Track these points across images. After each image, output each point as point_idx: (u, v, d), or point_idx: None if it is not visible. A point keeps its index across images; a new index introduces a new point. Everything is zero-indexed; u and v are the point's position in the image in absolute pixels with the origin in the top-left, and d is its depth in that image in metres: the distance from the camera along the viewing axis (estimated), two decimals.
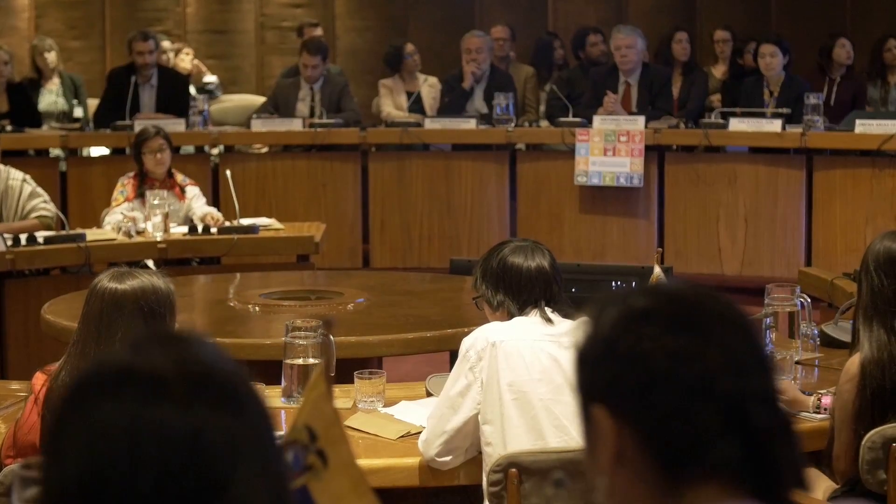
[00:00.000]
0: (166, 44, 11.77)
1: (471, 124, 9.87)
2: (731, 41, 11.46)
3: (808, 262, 9.10)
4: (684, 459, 1.60)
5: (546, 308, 3.97)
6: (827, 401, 4.21)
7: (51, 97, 10.64)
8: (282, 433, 1.78)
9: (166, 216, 7.48)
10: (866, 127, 9.02)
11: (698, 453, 1.60)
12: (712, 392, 1.60)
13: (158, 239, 7.40)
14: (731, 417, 1.60)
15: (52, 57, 10.74)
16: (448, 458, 3.93)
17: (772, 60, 9.79)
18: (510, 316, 4.01)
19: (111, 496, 1.36)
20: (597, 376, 1.67)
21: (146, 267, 6.84)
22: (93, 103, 10.78)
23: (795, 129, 9.21)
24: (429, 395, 4.53)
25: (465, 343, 3.96)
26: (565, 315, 3.99)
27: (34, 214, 7.61)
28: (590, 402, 1.67)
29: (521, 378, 3.85)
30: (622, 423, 1.63)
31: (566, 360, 3.86)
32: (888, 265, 4.01)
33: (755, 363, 1.65)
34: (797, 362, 4.80)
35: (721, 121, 9.62)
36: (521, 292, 4.01)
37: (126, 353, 1.46)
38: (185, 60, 12.12)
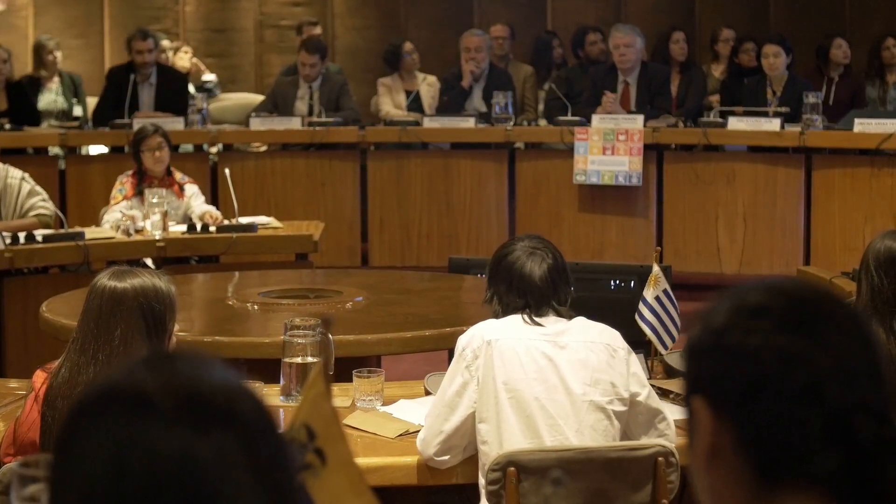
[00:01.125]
0: (165, 42, 11.78)
1: (470, 123, 9.87)
2: (736, 38, 11.45)
3: (807, 262, 9.11)
4: (780, 466, 1.55)
5: (530, 314, 3.96)
6: None
7: (50, 96, 10.64)
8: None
9: (165, 215, 7.48)
10: (865, 126, 9.03)
11: (795, 462, 1.54)
12: (818, 399, 1.54)
13: (157, 237, 7.40)
14: (835, 428, 1.53)
15: (56, 56, 10.75)
16: (446, 457, 3.94)
17: (776, 61, 9.80)
18: (495, 316, 4.01)
19: None
20: (701, 368, 1.62)
21: (145, 266, 6.84)
22: (92, 102, 10.77)
23: (794, 129, 9.22)
24: (427, 393, 4.53)
25: (461, 341, 3.96)
26: (561, 315, 3.99)
27: (33, 213, 7.61)
28: (692, 392, 1.63)
29: (516, 377, 3.85)
30: (721, 419, 1.58)
31: (561, 360, 3.87)
32: (888, 265, 4.01)
33: (868, 374, 1.58)
34: None
35: (720, 120, 9.62)
36: (505, 295, 4.01)
37: (116, 375, 1.45)
38: (184, 59, 12.12)
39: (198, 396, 1.42)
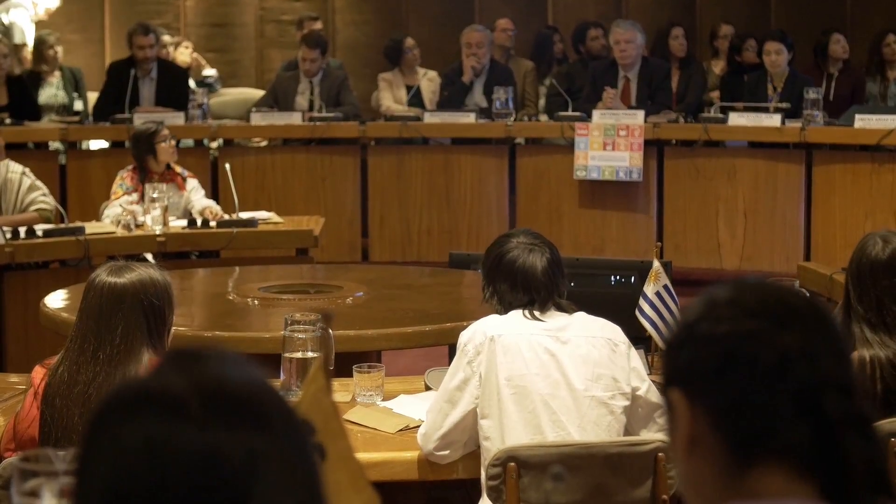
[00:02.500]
0: (166, 38, 11.77)
1: (470, 118, 9.87)
2: (736, 35, 11.44)
3: (808, 257, 9.11)
4: (752, 441, 1.61)
5: (533, 310, 3.95)
6: None
7: (51, 90, 10.63)
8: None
9: (165, 210, 7.48)
10: (866, 122, 9.03)
11: (766, 436, 1.61)
12: (785, 376, 1.62)
13: (157, 232, 7.40)
14: (803, 403, 1.61)
15: (59, 51, 10.75)
16: (446, 452, 3.94)
17: (777, 58, 9.80)
18: (496, 312, 4.01)
19: None
20: (676, 360, 1.70)
21: (144, 260, 6.84)
22: (92, 96, 10.77)
23: (795, 124, 9.22)
24: (428, 388, 4.53)
25: (464, 337, 3.96)
26: (562, 309, 3.99)
27: (33, 207, 7.61)
28: (668, 386, 1.70)
29: (519, 372, 3.84)
30: (696, 407, 1.65)
31: (563, 355, 3.87)
32: (883, 267, 4.02)
33: (833, 352, 1.66)
34: None
35: (720, 115, 9.62)
36: (507, 293, 4.01)
37: (144, 377, 1.46)
38: (185, 54, 12.12)
39: (227, 396, 1.43)
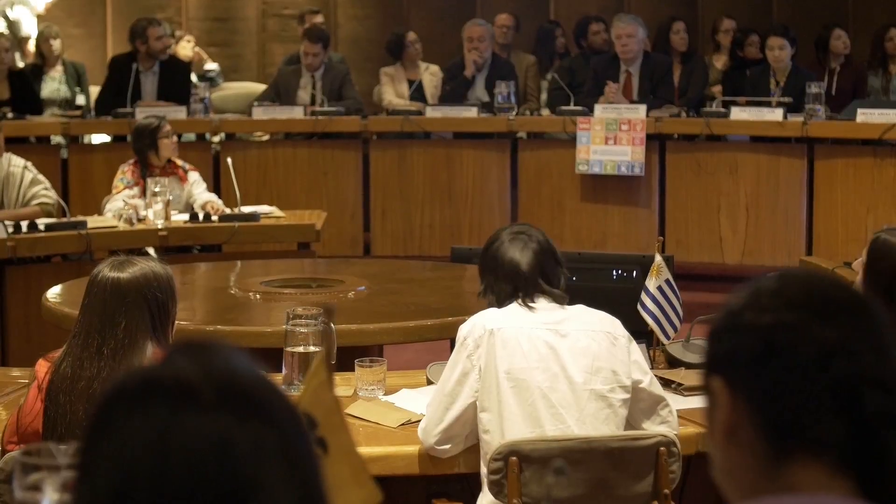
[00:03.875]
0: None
1: (472, 113, 9.87)
2: (738, 30, 11.42)
3: (810, 252, 9.10)
4: (789, 433, 1.61)
5: (523, 300, 3.95)
6: None
7: (53, 84, 10.63)
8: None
9: (167, 204, 7.48)
10: (868, 116, 9.02)
11: (803, 429, 1.61)
12: (825, 370, 1.61)
13: (159, 226, 7.40)
14: (841, 398, 1.61)
15: (56, 44, 10.74)
16: (447, 446, 3.94)
17: (780, 53, 9.80)
18: (490, 306, 4.01)
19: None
20: (718, 348, 1.71)
21: (146, 254, 6.84)
22: (94, 91, 10.77)
23: (797, 119, 9.21)
24: (429, 383, 4.54)
25: (463, 330, 3.96)
26: (560, 302, 3.98)
27: (35, 202, 7.62)
28: (710, 373, 1.71)
29: (518, 366, 3.84)
30: (736, 395, 1.66)
31: (562, 348, 3.87)
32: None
33: (875, 348, 1.65)
34: None
35: (722, 110, 9.61)
36: (494, 284, 4.01)
37: (152, 366, 1.47)
38: (187, 48, 12.11)
39: (238, 387, 1.44)
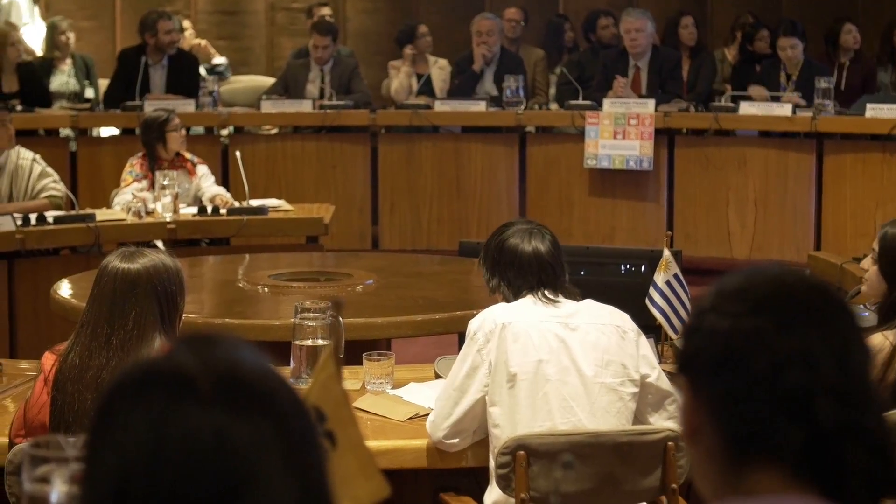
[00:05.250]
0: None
1: (480, 107, 9.87)
2: (750, 25, 11.38)
3: (818, 247, 9.10)
4: (746, 441, 1.61)
5: (544, 292, 3.96)
6: None
7: (63, 77, 10.64)
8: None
9: (176, 197, 7.48)
10: (877, 111, 9.01)
11: (760, 438, 1.60)
12: (778, 381, 1.60)
13: (168, 219, 7.41)
14: (794, 410, 1.60)
15: (71, 37, 10.76)
16: (456, 441, 3.94)
17: (793, 52, 9.80)
18: (505, 300, 4.01)
19: (137, 496, 1.38)
20: (685, 347, 1.70)
21: (154, 247, 6.84)
22: (103, 84, 10.77)
23: (806, 113, 9.21)
24: (437, 376, 4.54)
25: (473, 325, 3.96)
26: (568, 296, 3.99)
27: (44, 194, 7.62)
28: (678, 371, 1.71)
29: (529, 359, 3.84)
30: (698, 398, 1.66)
31: (573, 342, 3.87)
32: None
33: (838, 355, 1.63)
34: None
35: (731, 104, 9.61)
36: (515, 278, 4.01)
37: (156, 357, 1.48)
38: (188, 37, 12.07)
39: (237, 380, 1.44)
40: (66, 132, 10.12)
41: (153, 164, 7.86)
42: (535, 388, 3.83)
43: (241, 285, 6.16)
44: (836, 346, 1.64)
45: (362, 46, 13.44)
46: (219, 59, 12.32)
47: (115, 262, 3.71)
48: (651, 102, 9.50)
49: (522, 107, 9.89)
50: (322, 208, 8.17)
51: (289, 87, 10.33)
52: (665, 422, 3.92)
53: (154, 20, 10.11)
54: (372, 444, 3.64)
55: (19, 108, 9.72)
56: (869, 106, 9.07)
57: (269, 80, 11.63)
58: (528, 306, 3.93)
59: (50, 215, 7.28)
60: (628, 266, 5.95)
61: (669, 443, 3.76)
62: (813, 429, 1.59)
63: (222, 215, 7.57)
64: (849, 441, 1.59)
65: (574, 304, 3.96)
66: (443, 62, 10.83)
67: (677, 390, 1.72)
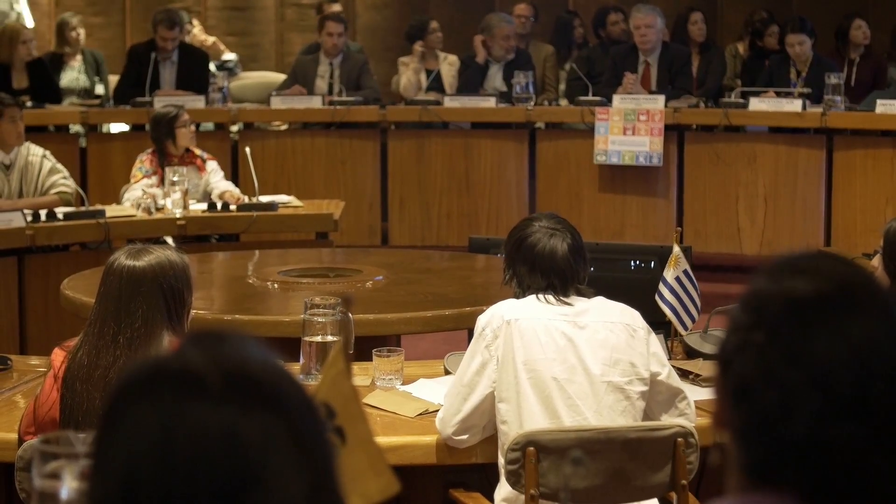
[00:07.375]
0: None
1: (490, 103, 9.86)
2: (762, 21, 11.35)
3: (828, 243, 9.09)
4: (757, 473, 1.59)
5: (550, 295, 3.94)
6: None
7: (73, 73, 10.65)
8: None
9: (185, 193, 7.49)
10: (887, 107, 8.99)
11: (771, 472, 1.58)
12: (795, 414, 1.56)
13: (178, 216, 7.41)
14: (804, 450, 1.56)
15: (81, 34, 10.77)
16: (465, 437, 3.94)
17: (801, 49, 9.78)
18: (515, 296, 4.00)
19: (146, 494, 1.38)
20: (721, 357, 1.66)
21: (164, 243, 6.85)
22: (113, 80, 10.78)
23: (816, 109, 9.19)
24: (447, 373, 4.54)
25: (481, 321, 3.96)
26: (583, 294, 3.98)
27: (54, 190, 7.63)
28: (716, 358, 1.68)
29: (535, 357, 3.84)
30: (727, 400, 1.64)
31: (580, 340, 3.87)
32: None
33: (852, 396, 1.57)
34: None
35: (741, 100, 9.60)
36: (525, 276, 4.00)
37: (164, 355, 1.48)
38: (197, 34, 12.06)
39: (246, 377, 1.44)
40: (75, 128, 10.13)
41: (163, 160, 7.87)
42: (541, 386, 3.83)
43: (250, 281, 6.16)
44: (854, 359, 1.58)
45: (372, 42, 13.44)
46: (228, 56, 12.33)
47: (121, 259, 3.71)
48: (661, 98, 9.49)
49: (532, 103, 9.89)
50: (332, 204, 8.18)
51: (298, 82, 10.32)
52: (675, 419, 3.92)
53: (158, 21, 10.12)
54: (381, 440, 3.64)
55: (29, 104, 9.73)
56: (879, 102, 9.05)
57: (279, 76, 11.63)
58: (537, 303, 3.93)
59: (60, 211, 7.29)
60: (638, 262, 5.94)
61: (679, 439, 3.76)
62: (825, 463, 1.55)
63: (232, 211, 7.58)
64: (870, 462, 1.55)
65: (585, 302, 3.95)
66: (452, 58, 10.83)
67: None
